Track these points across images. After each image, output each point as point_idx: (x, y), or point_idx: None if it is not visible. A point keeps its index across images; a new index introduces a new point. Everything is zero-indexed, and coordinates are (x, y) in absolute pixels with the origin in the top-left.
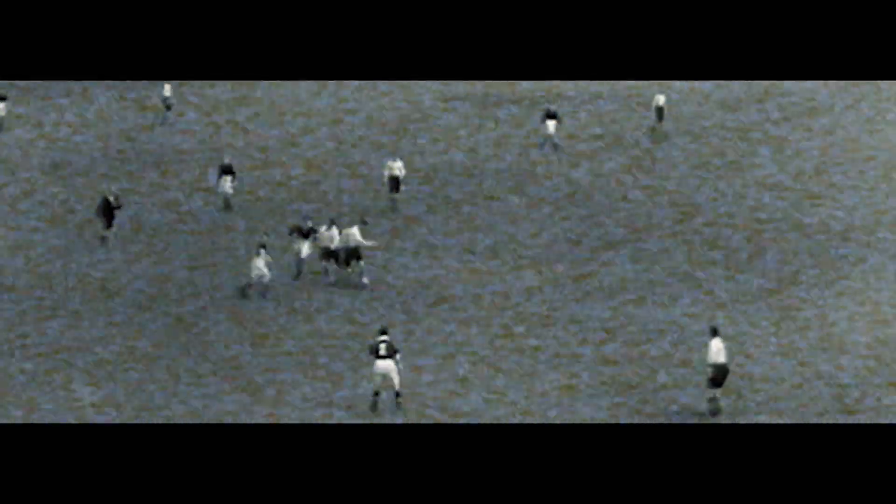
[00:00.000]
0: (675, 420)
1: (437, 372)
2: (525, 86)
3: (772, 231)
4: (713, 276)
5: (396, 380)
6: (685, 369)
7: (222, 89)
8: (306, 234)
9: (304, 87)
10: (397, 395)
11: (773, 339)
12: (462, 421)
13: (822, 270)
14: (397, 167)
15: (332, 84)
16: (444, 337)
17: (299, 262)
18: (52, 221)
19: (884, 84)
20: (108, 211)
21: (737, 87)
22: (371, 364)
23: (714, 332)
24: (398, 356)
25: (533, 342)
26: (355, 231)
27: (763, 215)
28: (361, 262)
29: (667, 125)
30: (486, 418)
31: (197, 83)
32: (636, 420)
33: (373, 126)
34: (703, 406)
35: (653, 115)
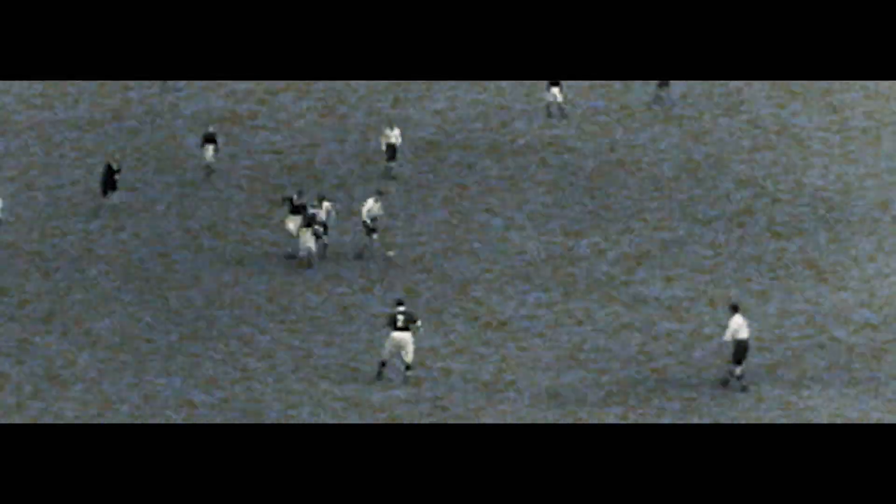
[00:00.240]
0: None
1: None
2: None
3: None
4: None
5: (410, 352)
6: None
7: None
8: (297, 209)
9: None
10: (408, 367)
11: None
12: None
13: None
14: (394, 135)
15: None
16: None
17: (295, 242)
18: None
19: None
20: (110, 177)
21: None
22: (387, 335)
23: (735, 309)
24: (419, 323)
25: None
26: (371, 203)
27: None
28: (376, 235)
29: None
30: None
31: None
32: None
33: (370, 96)
34: (732, 382)
35: (553, 111)
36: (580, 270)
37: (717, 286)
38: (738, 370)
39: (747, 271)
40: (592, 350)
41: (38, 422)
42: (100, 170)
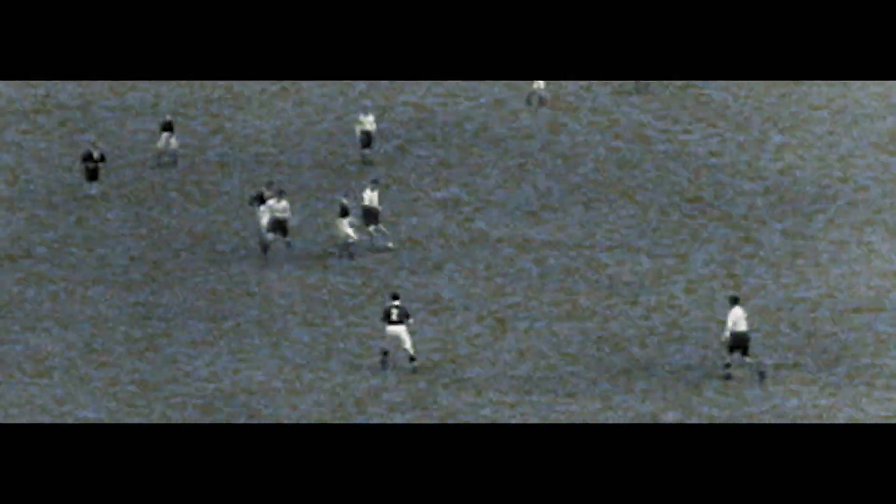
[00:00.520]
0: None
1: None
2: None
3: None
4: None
5: (409, 344)
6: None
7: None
8: (262, 200)
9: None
10: (412, 359)
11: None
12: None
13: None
14: (369, 122)
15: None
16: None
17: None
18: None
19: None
20: (91, 165)
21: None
22: (383, 328)
23: (734, 301)
24: (410, 321)
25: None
26: (369, 192)
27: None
28: (381, 225)
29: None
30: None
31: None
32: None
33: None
34: (723, 370)
35: (533, 103)
36: (546, 256)
37: (684, 273)
38: (747, 360)
39: (715, 258)
40: (554, 336)
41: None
42: (78, 160)
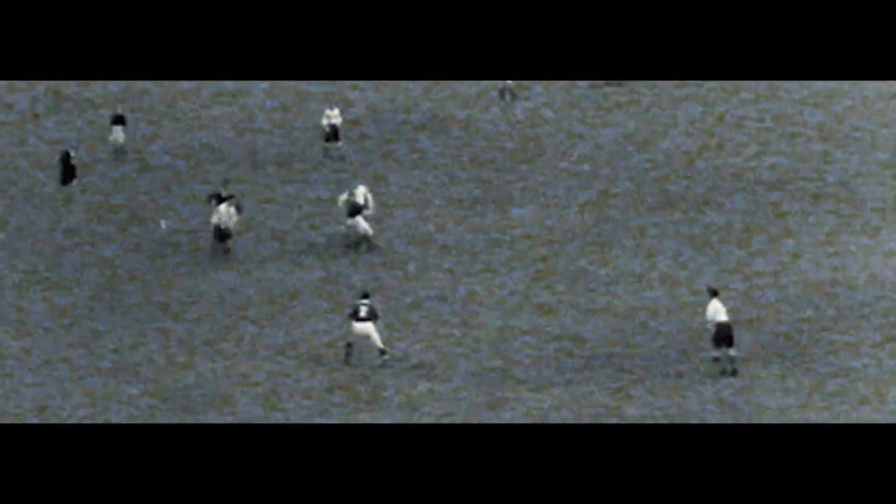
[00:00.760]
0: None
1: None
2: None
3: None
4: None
5: (377, 339)
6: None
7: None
8: (222, 199)
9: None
10: (382, 352)
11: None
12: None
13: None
14: (335, 115)
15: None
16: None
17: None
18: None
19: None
20: (69, 165)
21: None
22: (350, 325)
23: (713, 293)
24: (376, 322)
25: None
26: (362, 187)
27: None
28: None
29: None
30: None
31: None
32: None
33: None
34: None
35: (505, 94)
36: (514, 249)
37: (653, 264)
38: (731, 352)
39: (683, 249)
40: (525, 328)
41: None
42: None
